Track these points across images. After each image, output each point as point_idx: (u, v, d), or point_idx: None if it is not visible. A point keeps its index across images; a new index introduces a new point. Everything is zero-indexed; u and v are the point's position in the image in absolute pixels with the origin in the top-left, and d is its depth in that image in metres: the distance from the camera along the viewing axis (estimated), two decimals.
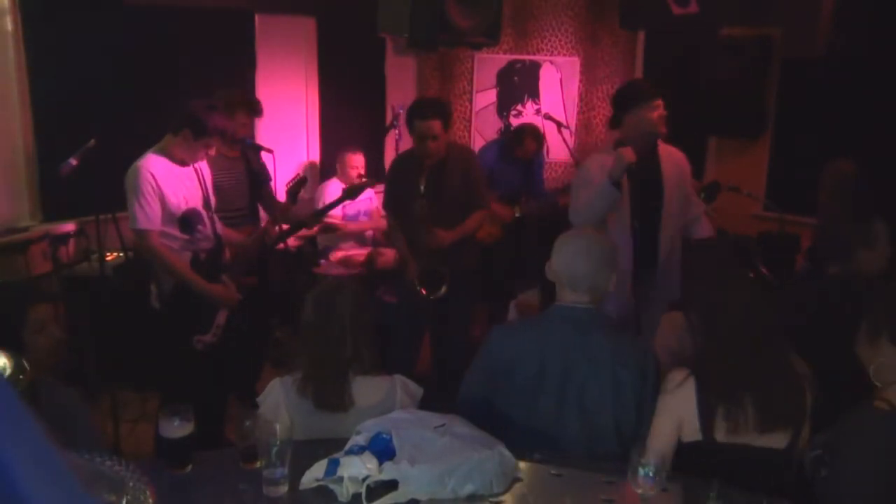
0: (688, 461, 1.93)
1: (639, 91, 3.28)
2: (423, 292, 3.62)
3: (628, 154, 3.04)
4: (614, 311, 3.30)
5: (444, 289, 3.62)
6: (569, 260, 2.19)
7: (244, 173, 3.81)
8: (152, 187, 3.03)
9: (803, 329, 2.40)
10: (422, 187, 3.64)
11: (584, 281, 2.17)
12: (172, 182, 3.10)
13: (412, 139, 3.70)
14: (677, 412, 1.97)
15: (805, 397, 1.97)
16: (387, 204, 3.96)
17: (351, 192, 3.79)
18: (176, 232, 3.13)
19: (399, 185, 3.78)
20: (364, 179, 4.64)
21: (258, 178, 3.86)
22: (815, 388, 2.00)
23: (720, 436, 1.93)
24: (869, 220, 2.72)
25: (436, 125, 3.55)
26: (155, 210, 3.04)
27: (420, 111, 3.60)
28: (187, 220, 3.15)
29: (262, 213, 4.01)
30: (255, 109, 3.90)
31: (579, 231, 2.32)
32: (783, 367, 1.96)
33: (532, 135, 5.09)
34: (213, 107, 3.11)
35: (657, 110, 3.19)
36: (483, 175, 3.99)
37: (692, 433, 1.96)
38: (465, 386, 2.27)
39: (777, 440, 1.94)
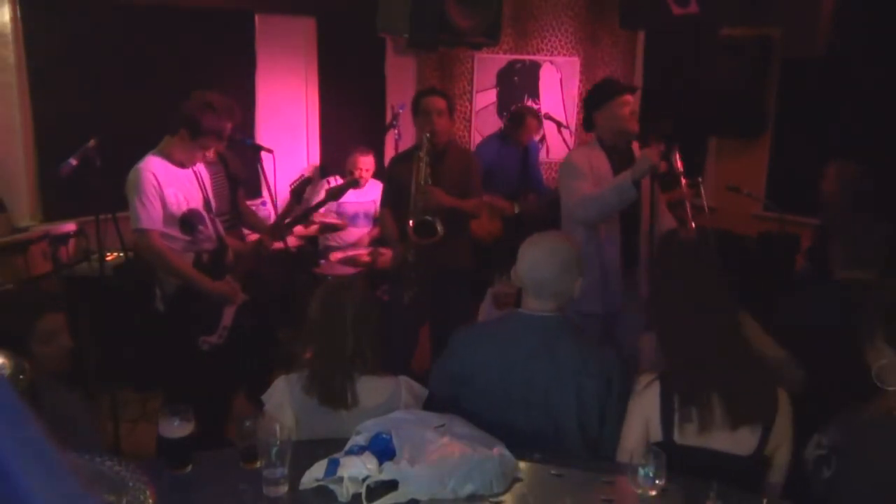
0: None
1: (607, 88, 3.26)
2: (417, 240, 3.60)
3: (652, 155, 3.01)
4: (602, 309, 3.31)
5: (437, 234, 3.59)
6: (532, 266, 2.16)
7: (224, 178, 3.79)
8: (154, 188, 3.03)
9: (813, 334, 2.39)
10: (423, 157, 3.62)
11: (547, 287, 2.14)
12: (173, 183, 3.10)
13: (418, 123, 3.75)
14: (644, 412, 2.00)
15: (776, 394, 1.96)
16: (385, 202, 3.95)
17: (333, 194, 3.80)
18: (177, 233, 3.13)
19: (398, 180, 3.79)
20: (349, 178, 4.64)
21: (236, 183, 3.83)
22: (797, 384, 2.00)
23: (679, 437, 1.95)
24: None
25: (441, 101, 3.70)
26: (157, 210, 3.04)
27: (425, 92, 3.84)
28: (188, 221, 3.14)
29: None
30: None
31: (544, 235, 2.27)
32: (749, 364, 1.97)
33: (531, 112, 5.12)
34: (208, 106, 3.09)
35: (626, 107, 3.16)
36: (481, 174, 4.01)
37: (655, 433, 1.99)
38: (433, 384, 2.27)
39: (744, 444, 1.93)
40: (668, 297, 2.09)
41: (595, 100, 3.31)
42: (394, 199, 3.84)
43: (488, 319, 3.23)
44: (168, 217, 3.08)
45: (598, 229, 3.26)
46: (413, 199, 3.63)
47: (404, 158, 3.86)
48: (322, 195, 4.93)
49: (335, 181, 4.92)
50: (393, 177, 3.88)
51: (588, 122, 3.37)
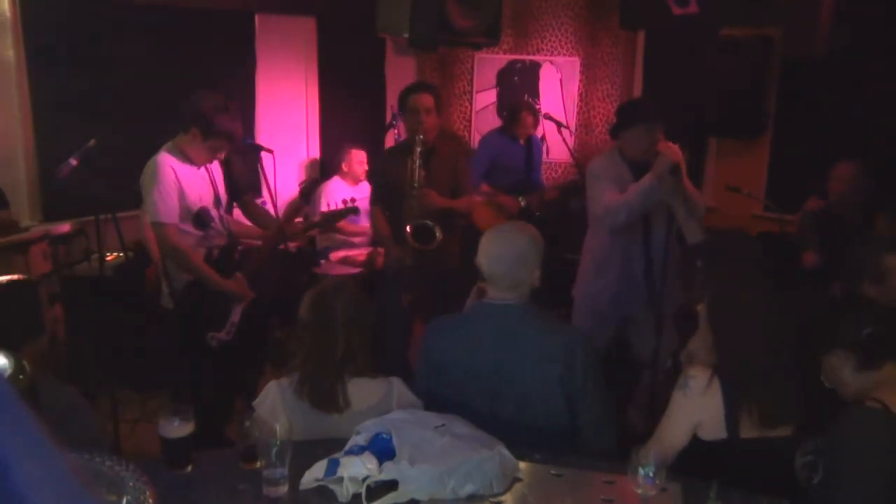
0: (703, 458, 1.95)
1: (640, 113, 3.28)
2: (416, 246, 3.59)
3: (671, 152, 3.04)
4: (620, 313, 3.34)
5: (436, 240, 3.58)
6: (488, 258, 2.22)
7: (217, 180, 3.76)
8: (173, 181, 3.05)
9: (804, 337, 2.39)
10: (416, 159, 3.59)
11: (503, 279, 2.20)
12: (188, 178, 3.12)
13: (406, 120, 3.70)
14: (698, 414, 2.00)
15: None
16: (377, 198, 3.89)
17: (356, 210, 4.03)
18: (190, 228, 3.14)
19: (390, 175, 3.75)
20: (350, 206, 4.71)
21: (235, 186, 3.81)
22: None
23: (745, 432, 1.96)
24: (879, 253, 2.64)
25: (429, 98, 3.62)
26: (175, 204, 3.05)
27: (412, 87, 3.73)
28: (201, 218, 3.16)
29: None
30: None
31: (502, 228, 2.33)
32: (793, 362, 1.99)
33: (527, 108, 5.11)
34: (224, 108, 3.10)
35: (649, 137, 3.18)
36: (470, 166, 3.98)
37: (715, 432, 1.98)
38: (416, 378, 2.32)
39: (786, 428, 1.98)
40: (734, 298, 2.10)
41: (622, 119, 3.35)
42: (385, 196, 3.81)
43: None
44: (184, 212, 3.10)
45: (621, 235, 3.28)
46: (407, 201, 3.61)
47: (395, 155, 3.82)
48: (322, 198, 4.95)
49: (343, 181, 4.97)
50: (384, 174, 3.85)
51: (614, 131, 3.39)
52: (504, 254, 2.20)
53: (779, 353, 1.98)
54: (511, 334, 2.18)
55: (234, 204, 3.91)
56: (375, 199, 3.91)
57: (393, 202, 3.73)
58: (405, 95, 3.68)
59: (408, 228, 3.60)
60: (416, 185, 3.59)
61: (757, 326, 2.00)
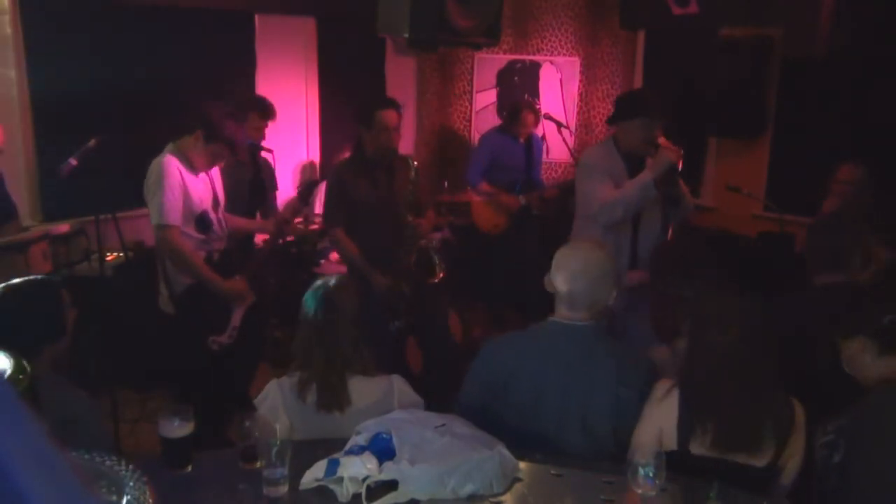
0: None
1: (639, 106, 3.25)
2: (419, 277, 3.53)
3: (671, 153, 3.04)
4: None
5: (440, 271, 3.54)
6: (567, 279, 2.12)
7: (248, 179, 3.76)
8: (179, 183, 3.05)
9: (795, 339, 2.39)
10: (411, 184, 3.50)
11: (583, 299, 2.12)
12: (191, 181, 3.13)
13: (371, 136, 3.46)
14: (658, 422, 1.99)
15: (792, 421, 1.94)
16: (334, 219, 3.55)
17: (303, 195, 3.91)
18: (192, 231, 3.14)
19: (355, 195, 3.50)
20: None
21: (262, 186, 3.81)
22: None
23: (696, 448, 1.93)
24: (859, 239, 2.67)
25: (398, 116, 3.49)
26: (178, 206, 3.06)
27: (381, 104, 3.52)
28: (202, 221, 3.16)
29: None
30: (267, 112, 3.92)
31: (580, 246, 2.23)
32: (768, 392, 1.93)
33: (528, 107, 5.11)
34: (230, 114, 3.09)
35: (649, 130, 3.15)
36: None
37: (670, 443, 1.96)
38: (463, 396, 2.24)
39: (759, 457, 1.92)
40: (711, 311, 2.03)
41: (621, 109, 3.31)
42: (347, 217, 3.51)
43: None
44: (186, 214, 3.10)
45: (613, 231, 3.26)
46: (390, 228, 3.48)
47: (353, 171, 3.54)
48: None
49: None
50: (346, 192, 3.50)
51: (612, 120, 3.36)
52: (585, 271, 2.11)
53: (750, 377, 1.91)
54: (585, 357, 2.09)
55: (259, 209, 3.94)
56: (335, 220, 3.55)
57: (359, 223, 3.50)
58: (373, 111, 3.45)
59: (412, 258, 3.51)
60: (410, 214, 3.48)
61: (735, 346, 1.92)
